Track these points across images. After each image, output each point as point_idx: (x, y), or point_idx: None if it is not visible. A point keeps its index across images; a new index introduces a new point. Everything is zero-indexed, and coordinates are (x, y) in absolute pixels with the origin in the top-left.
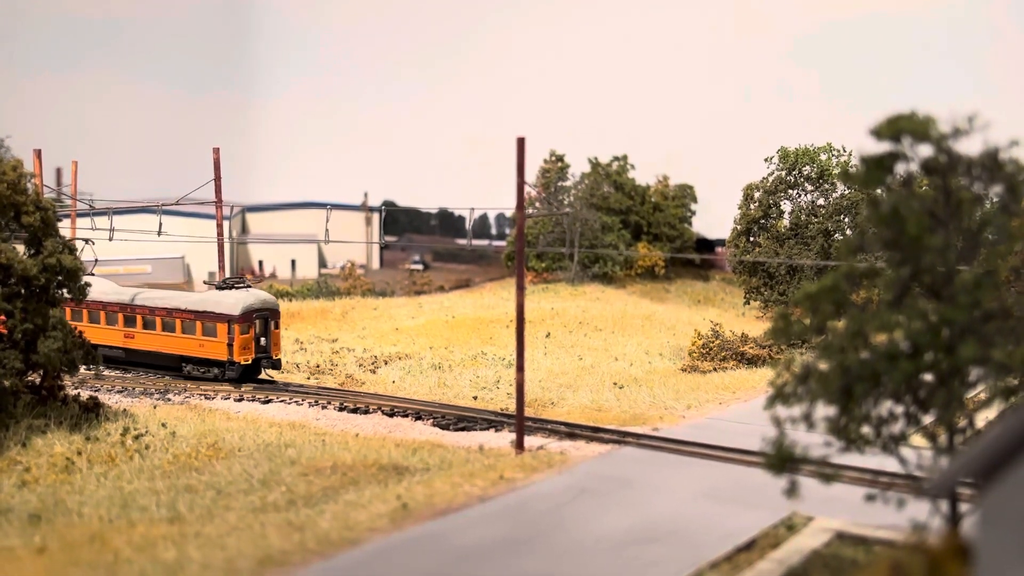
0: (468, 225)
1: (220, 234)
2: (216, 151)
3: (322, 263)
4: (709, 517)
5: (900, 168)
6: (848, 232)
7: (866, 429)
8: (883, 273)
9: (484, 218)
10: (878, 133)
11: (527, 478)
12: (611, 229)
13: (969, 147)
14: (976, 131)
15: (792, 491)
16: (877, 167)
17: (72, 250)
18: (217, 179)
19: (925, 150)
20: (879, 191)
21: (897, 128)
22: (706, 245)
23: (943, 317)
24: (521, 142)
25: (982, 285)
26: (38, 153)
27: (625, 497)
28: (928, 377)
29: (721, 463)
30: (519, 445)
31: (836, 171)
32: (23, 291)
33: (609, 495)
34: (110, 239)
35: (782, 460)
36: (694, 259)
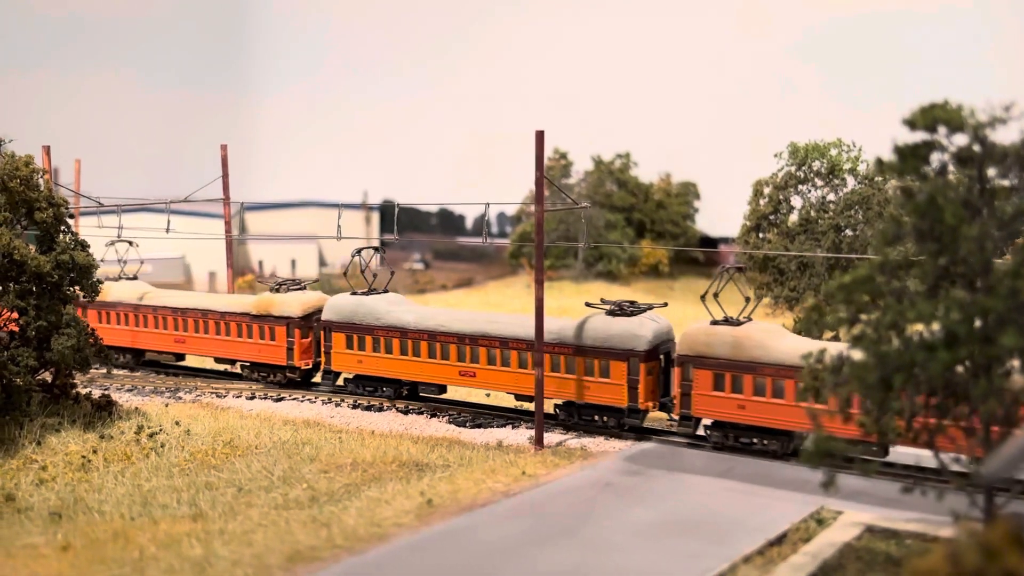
0: (484, 222)
1: (228, 232)
2: (224, 148)
3: (322, 262)
4: (737, 511)
5: (934, 157)
6: (859, 228)
7: (900, 422)
8: (918, 264)
9: (483, 216)
10: (912, 123)
11: (549, 474)
12: (615, 227)
13: (1000, 138)
14: (1011, 120)
15: (829, 484)
16: (912, 156)
17: (85, 246)
18: (225, 176)
19: (959, 139)
20: (913, 181)
21: (932, 117)
22: (709, 242)
23: (981, 307)
24: (540, 135)
25: (1020, 274)
26: (47, 150)
27: (651, 491)
28: (960, 369)
29: (744, 457)
30: (538, 441)
31: (847, 166)
32: (35, 288)
33: (635, 489)
34: (118, 237)
35: (820, 454)
36: (698, 256)
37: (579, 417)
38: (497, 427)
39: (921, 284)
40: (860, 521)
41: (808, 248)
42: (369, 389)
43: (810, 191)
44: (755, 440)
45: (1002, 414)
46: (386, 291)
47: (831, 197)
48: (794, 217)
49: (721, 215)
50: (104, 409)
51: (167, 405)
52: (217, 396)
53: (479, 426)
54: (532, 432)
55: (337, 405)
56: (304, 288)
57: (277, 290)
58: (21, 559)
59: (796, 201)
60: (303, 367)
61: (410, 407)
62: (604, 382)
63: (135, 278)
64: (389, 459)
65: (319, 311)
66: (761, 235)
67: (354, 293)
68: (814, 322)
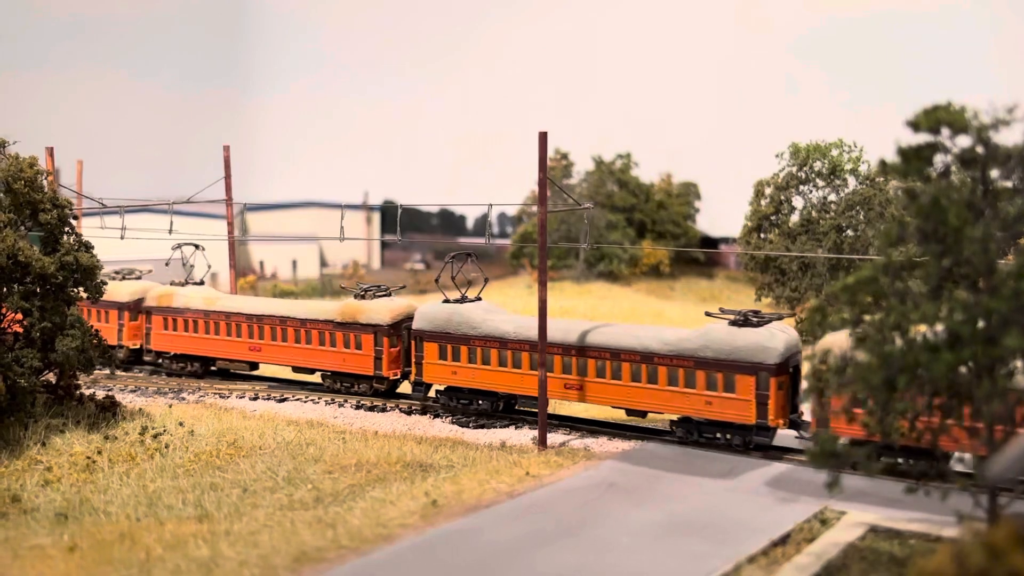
0: (487, 223)
1: (231, 232)
2: (226, 148)
3: (323, 263)
4: (740, 512)
5: (937, 159)
6: (861, 228)
7: (904, 422)
8: (921, 265)
9: (484, 217)
10: (916, 124)
11: (553, 474)
12: (616, 227)
13: (1003, 139)
14: (1014, 122)
15: (834, 485)
16: (916, 158)
17: (88, 247)
18: (227, 177)
19: (963, 141)
20: (916, 183)
21: (936, 119)
22: (710, 243)
23: (985, 308)
24: (543, 137)
25: (1023, 275)
26: (50, 151)
27: (654, 492)
28: (964, 370)
29: (747, 458)
30: (542, 442)
31: (848, 167)
32: (40, 289)
33: (638, 490)
34: (121, 238)
35: (825, 455)
36: (699, 257)
37: (699, 434)
38: (500, 427)
39: (924, 285)
40: (863, 521)
41: (809, 248)
42: (464, 402)
43: (811, 191)
44: (900, 460)
45: (1005, 414)
46: (478, 299)
47: (832, 197)
48: (795, 217)
49: (722, 215)
50: (108, 410)
51: (171, 406)
52: (220, 397)
53: (482, 427)
54: (535, 432)
55: (340, 406)
56: (390, 294)
57: (363, 296)
58: (28, 560)
59: (797, 201)
60: (391, 377)
61: (412, 407)
62: (729, 397)
63: (202, 283)
64: (393, 460)
65: (408, 319)
66: (762, 235)
67: (446, 301)
68: (817, 323)
